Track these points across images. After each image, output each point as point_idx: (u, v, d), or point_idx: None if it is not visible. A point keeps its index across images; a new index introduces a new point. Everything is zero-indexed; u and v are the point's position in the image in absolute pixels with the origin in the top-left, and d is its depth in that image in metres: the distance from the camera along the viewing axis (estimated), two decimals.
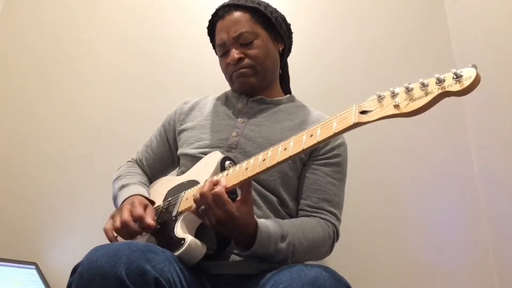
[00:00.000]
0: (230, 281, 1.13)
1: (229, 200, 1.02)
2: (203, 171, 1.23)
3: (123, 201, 1.26)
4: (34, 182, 2.04)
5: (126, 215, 1.16)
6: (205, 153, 1.30)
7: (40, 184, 2.03)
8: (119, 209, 1.24)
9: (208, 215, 1.03)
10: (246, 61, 1.38)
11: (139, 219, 1.15)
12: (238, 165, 1.10)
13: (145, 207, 1.20)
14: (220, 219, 1.02)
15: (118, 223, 1.16)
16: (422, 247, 1.82)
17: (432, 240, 1.82)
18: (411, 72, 2.00)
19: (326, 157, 1.32)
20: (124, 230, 1.15)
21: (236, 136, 1.33)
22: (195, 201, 1.05)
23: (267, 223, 1.11)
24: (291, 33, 1.52)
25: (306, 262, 1.34)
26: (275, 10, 1.46)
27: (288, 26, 1.50)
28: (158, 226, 1.19)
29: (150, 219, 1.15)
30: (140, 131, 1.69)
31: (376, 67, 2.06)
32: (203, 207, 1.04)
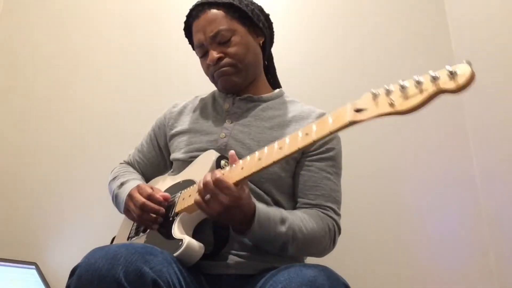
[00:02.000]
0: (229, 281, 1.13)
1: (231, 183, 1.02)
2: (198, 170, 1.23)
3: (130, 191, 1.28)
4: (34, 183, 2.04)
5: (140, 198, 1.20)
6: (195, 157, 1.29)
7: (40, 185, 2.04)
8: (128, 199, 1.26)
9: (214, 203, 1.03)
10: (226, 60, 1.33)
11: (149, 197, 1.19)
12: (234, 164, 1.09)
13: (151, 188, 1.25)
14: (225, 204, 1.01)
15: (137, 210, 1.20)
16: (422, 247, 1.81)
17: (432, 240, 1.81)
18: (411, 72, 1.98)
19: (319, 152, 1.29)
20: (145, 211, 1.19)
21: (224, 137, 1.31)
22: (199, 191, 1.05)
23: (265, 206, 1.12)
24: (271, 23, 1.46)
25: (308, 258, 1.34)
26: (251, 2, 1.41)
27: (266, 16, 1.44)
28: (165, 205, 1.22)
29: (161, 193, 1.21)
30: (140, 133, 1.69)
31: (376, 66, 2.06)
32: (208, 196, 1.03)
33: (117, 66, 2.20)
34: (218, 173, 1.04)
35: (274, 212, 1.12)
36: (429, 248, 1.81)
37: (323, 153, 1.29)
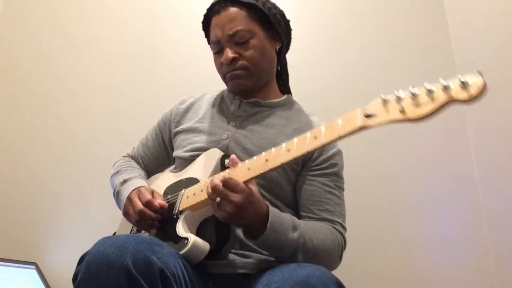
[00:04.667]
0: (229, 280, 1.13)
1: (240, 181, 1.01)
2: (202, 169, 1.23)
3: (129, 194, 1.27)
4: (34, 183, 2.04)
5: (139, 204, 1.19)
6: (197, 156, 1.29)
7: (40, 185, 2.04)
8: (128, 202, 1.25)
9: (225, 204, 1.01)
10: (241, 62, 1.31)
11: (147, 204, 1.18)
12: (240, 164, 1.07)
13: (152, 193, 1.23)
14: (238, 203, 1.00)
15: (135, 215, 1.19)
16: (422, 247, 1.82)
17: (432, 240, 1.82)
18: (412, 72, 2.00)
19: (321, 167, 1.27)
20: (143, 219, 1.18)
21: (226, 139, 1.30)
22: (208, 196, 1.04)
23: (278, 210, 1.10)
24: (290, 29, 1.44)
25: None
26: (274, 6, 1.38)
27: (287, 22, 1.42)
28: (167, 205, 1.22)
29: (159, 200, 1.19)
30: (140, 132, 1.68)
31: (376, 67, 2.06)
32: (218, 199, 1.02)
33: (117, 66, 2.20)
34: (226, 174, 1.04)
35: (286, 217, 1.10)
36: (429, 248, 1.82)
37: (326, 168, 1.27)
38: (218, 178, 1.03)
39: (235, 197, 1.00)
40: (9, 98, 2.18)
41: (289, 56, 1.51)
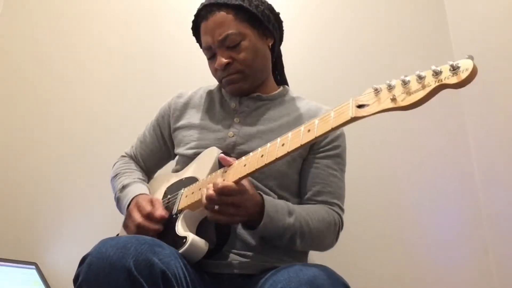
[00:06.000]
0: (231, 280, 1.13)
1: (232, 184, 1.02)
2: (201, 168, 1.23)
3: (128, 205, 1.26)
4: (34, 183, 2.04)
5: (137, 218, 1.17)
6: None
7: (40, 185, 2.04)
8: (128, 215, 1.23)
9: (225, 208, 1.03)
10: (234, 65, 1.30)
11: (149, 216, 1.16)
12: (236, 161, 1.09)
13: (151, 202, 1.21)
14: (237, 203, 1.03)
15: (134, 228, 1.17)
16: (421, 247, 1.81)
17: (432, 240, 1.82)
18: (412, 72, 1.98)
19: (326, 149, 1.29)
20: (142, 232, 1.16)
21: (233, 136, 1.30)
22: (206, 207, 1.04)
23: (272, 198, 1.13)
24: (281, 22, 1.42)
25: (310, 256, 1.33)
26: (261, 2, 1.36)
27: (276, 16, 1.40)
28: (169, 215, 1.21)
29: (160, 211, 1.16)
30: (141, 131, 1.69)
31: (376, 66, 2.06)
32: (217, 206, 1.03)
33: (117, 66, 2.20)
34: (218, 180, 1.04)
35: (281, 204, 1.12)
36: (429, 248, 1.81)
37: (329, 150, 1.29)
38: (211, 187, 1.03)
39: (233, 199, 1.02)
40: (9, 98, 2.19)
41: (289, 56, 1.51)
